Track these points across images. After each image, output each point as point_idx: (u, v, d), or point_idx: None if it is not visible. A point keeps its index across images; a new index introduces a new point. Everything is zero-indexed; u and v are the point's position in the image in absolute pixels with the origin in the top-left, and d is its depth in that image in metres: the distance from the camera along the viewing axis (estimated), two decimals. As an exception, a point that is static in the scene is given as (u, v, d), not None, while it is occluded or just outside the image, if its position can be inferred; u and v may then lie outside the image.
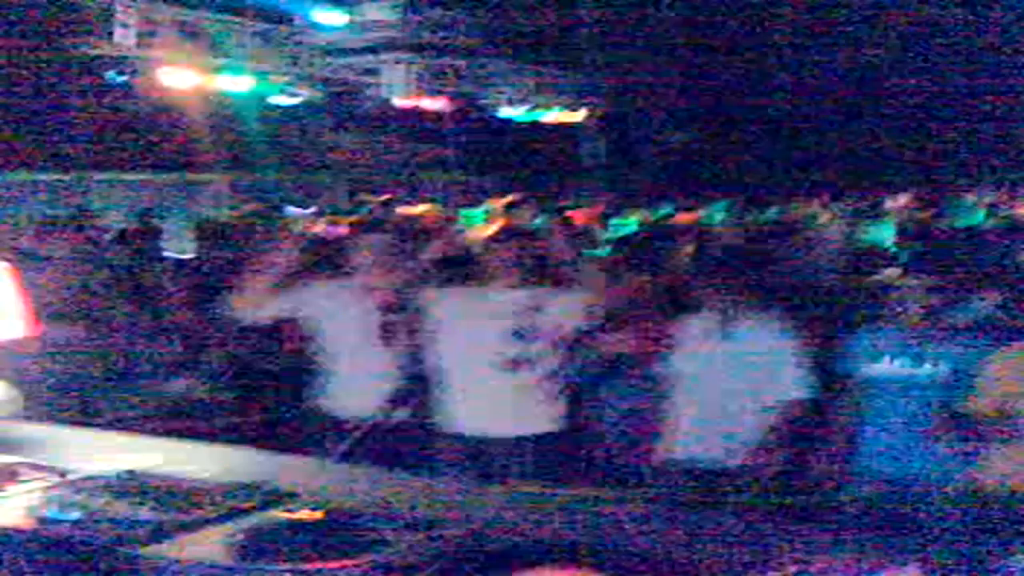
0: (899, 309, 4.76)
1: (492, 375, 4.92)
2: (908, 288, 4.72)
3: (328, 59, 20.42)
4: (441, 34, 21.38)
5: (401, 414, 5.05)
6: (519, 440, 4.96)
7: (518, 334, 4.91)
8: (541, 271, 5.02)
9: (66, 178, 15.31)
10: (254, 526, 2.84)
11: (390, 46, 20.82)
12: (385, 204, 10.53)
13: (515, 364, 4.90)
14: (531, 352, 4.92)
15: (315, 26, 20.22)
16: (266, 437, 6.00)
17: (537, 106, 23.15)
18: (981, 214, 12.75)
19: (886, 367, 4.77)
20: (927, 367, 4.68)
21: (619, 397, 5.63)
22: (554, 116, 23.69)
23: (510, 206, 7.96)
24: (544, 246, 5.01)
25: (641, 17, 24.75)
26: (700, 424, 5.01)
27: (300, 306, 5.29)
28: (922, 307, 4.68)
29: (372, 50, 20.86)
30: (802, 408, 4.99)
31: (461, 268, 5.60)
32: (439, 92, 21.29)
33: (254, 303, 5.15)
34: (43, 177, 15.36)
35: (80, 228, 8.76)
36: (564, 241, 5.04)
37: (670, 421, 5.14)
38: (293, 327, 5.56)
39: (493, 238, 5.07)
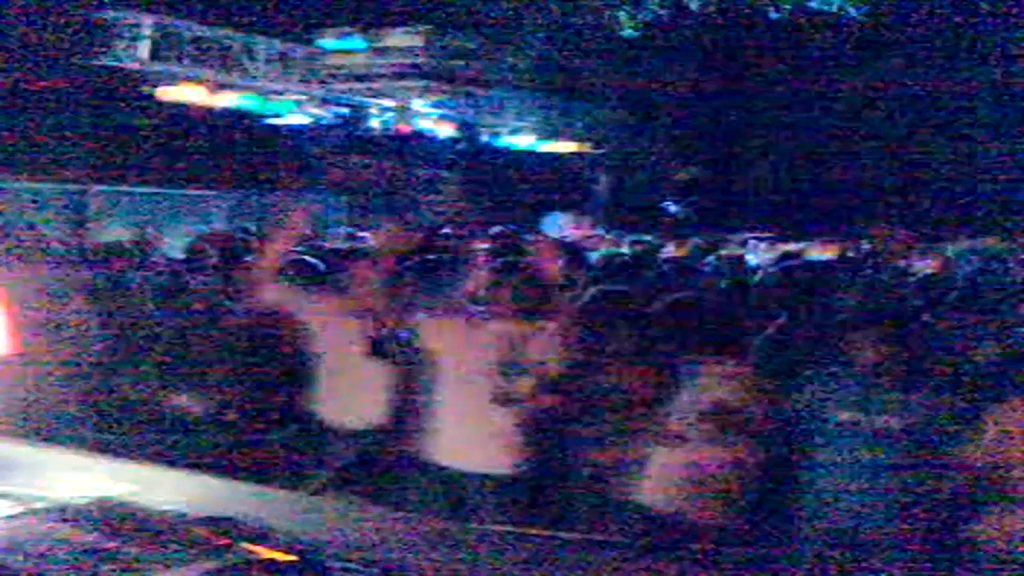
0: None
1: None
2: None
3: (344, 82, 20.41)
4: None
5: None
6: None
7: None
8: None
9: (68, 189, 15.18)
10: (221, 566, 2.72)
11: (409, 73, 20.76)
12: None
13: None
14: None
15: (335, 49, 20.23)
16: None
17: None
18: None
19: None
20: None
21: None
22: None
23: None
24: None
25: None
26: None
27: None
28: None
29: (389, 76, 20.82)
30: None
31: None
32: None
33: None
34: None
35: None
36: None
37: None
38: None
39: None
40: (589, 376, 4.93)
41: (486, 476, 4.91)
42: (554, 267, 5.05)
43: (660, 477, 4.63)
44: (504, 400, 4.85)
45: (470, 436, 4.90)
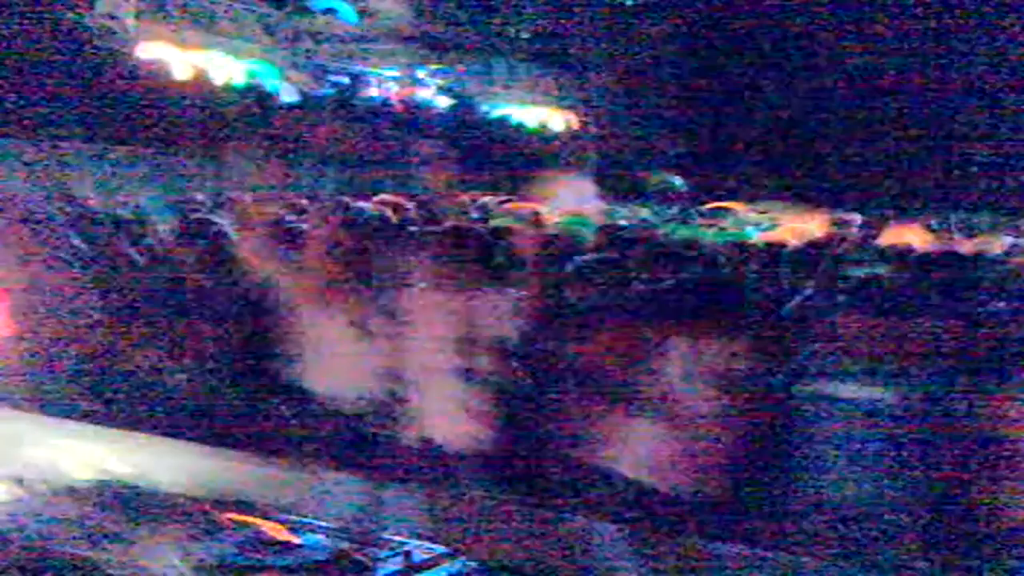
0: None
1: None
2: None
3: (323, 46, 20.20)
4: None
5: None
6: None
7: None
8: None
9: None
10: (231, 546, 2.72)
11: (391, 37, 20.58)
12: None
13: None
14: None
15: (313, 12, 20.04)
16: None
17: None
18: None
19: None
20: None
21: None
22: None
23: None
24: None
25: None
26: None
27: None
28: None
29: (372, 40, 20.62)
30: None
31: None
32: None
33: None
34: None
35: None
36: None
37: None
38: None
39: None
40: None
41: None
42: None
43: None
44: None
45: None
